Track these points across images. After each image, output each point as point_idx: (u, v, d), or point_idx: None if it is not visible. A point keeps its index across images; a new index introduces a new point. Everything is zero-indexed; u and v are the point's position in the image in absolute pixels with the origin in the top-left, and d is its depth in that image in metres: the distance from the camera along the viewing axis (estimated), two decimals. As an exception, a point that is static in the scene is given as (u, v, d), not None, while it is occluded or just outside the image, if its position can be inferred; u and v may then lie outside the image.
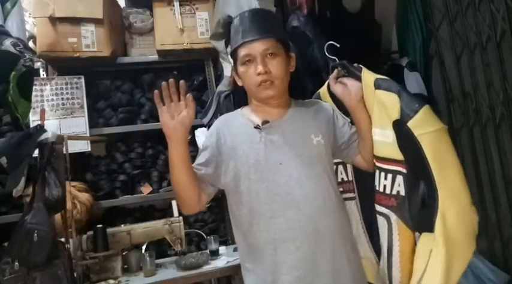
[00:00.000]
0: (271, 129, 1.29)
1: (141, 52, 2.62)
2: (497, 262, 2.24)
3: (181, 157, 1.18)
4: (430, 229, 1.12)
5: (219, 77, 2.49)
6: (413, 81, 2.56)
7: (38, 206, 1.65)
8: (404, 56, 2.68)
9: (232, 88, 2.16)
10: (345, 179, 1.42)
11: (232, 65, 1.38)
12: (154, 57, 2.59)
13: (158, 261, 2.23)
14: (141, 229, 2.18)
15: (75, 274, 1.81)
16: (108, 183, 2.48)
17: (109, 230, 2.13)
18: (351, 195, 1.37)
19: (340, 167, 1.44)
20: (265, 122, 1.30)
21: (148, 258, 2.06)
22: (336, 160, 1.41)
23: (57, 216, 1.84)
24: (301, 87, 2.06)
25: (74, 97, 2.38)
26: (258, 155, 1.26)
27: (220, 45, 2.28)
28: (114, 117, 2.52)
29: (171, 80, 1.13)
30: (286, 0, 2.37)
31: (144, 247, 2.21)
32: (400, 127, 1.15)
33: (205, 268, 2.06)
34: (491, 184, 2.26)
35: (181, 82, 1.12)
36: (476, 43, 2.23)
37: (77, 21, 2.36)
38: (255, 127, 1.30)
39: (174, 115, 1.13)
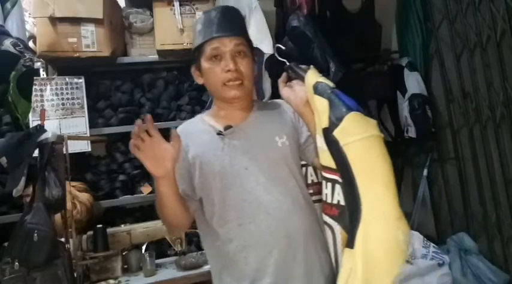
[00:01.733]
0: (234, 134, 1.24)
1: (141, 52, 2.62)
2: (497, 262, 2.24)
3: (174, 190, 1.13)
4: (351, 244, 1.05)
5: (219, 77, 2.49)
6: (414, 81, 2.57)
7: (38, 206, 1.65)
8: (404, 56, 2.69)
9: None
10: (315, 181, 1.37)
11: (193, 61, 1.30)
12: (154, 57, 2.59)
13: (158, 261, 2.23)
14: (141, 229, 2.18)
15: (75, 274, 1.81)
16: (108, 183, 2.48)
17: (109, 230, 2.12)
18: (321, 196, 1.33)
19: (310, 169, 1.39)
20: (227, 127, 1.25)
21: (148, 258, 2.06)
22: (301, 162, 1.37)
23: (57, 216, 1.84)
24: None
25: (74, 97, 2.38)
26: (223, 162, 1.21)
27: (220, 45, 2.27)
28: (114, 117, 2.52)
29: (139, 121, 1.04)
30: (286, 0, 2.36)
31: (144, 247, 2.21)
32: (328, 136, 1.10)
33: (205, 268, 2.06)
34: (491, 184, 2.26)
35: (148, 116, 1.04)
36: (476, 43, 2.23)
37: (77, 21, 2.35)
38: (218, 134, 1.24)
39: (156, 154, 1.04)
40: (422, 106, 2.52)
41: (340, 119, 1.08)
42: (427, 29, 2.61)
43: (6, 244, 1.69)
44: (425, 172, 2.65)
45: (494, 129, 2.18)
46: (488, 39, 2.15)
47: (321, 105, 1.13)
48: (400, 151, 2.77)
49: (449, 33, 2.44)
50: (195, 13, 2.57)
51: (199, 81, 1.30)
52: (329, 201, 1.14)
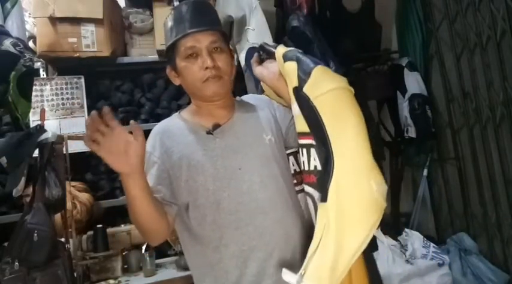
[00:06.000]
0: (224, 132, 1.19)
1: (141, 52, 2.62)
2: (497, 262, 2.25)
3: (146, 190, 1.04)
4: (325, 198, 1.00)
5: (219, 77, 2.49)
6: (414, 81, 2.57)
7: (38, 206, 1.65)
8: (404, 56, 2.69)
9: (233, 88, 2.15)
10: (297, 170, 1.35)
11: (168, 61, 1.24)
12: (154, 57, 2.59)
13: (158, 261, 2.23)
14: (141, 229, 2.18)
15: (75, 274, 1.81)
16: (108, 183, 2.48)
17: (109, 230, 2.13)
18: (303, 187, 1.30)
19: (291, 158, 1.38)
20: (216, 126, 1.19)
21: (148, 258, 2.06)
22: (286, 151, 1.32)
23: (57, 216, 1.84)
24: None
25: (74, 97, 2.38)
26: (216, 163, 1.15)
27: (220, 45, 2.27)
28: (114, 117, 2.52)
29: (93, 113, 0.98)
30: (286, 0, 2.37)
31: (144, 247, 2.21)
32: (299, 94, 1.08)
33: (205, 268, 2.06)
34: (491, 184, 2.26)
35: (105, 108, 1.00)
36: (476, 43, 2.23)
37: (77, 21, 2.35)
38: (208, 133, 1.18)
39: (119, 148, 0.97)
40: (422, 106, 2.52)
41: (308, 74, 1.06)
42: (427, 29, 2.62)
43: (6, 244, 1.69)
44: (425, 172, 2.65)
45: (494, 129, 2.19)
46: (488, 39, 2.15)
47: (290, 68, 1.11)
48: (400, 151, 2.77)
49: (449, 33, 2.44)
50: (195, 13, 2.57)
51: (176, 82, 1.24)
52: (306, 168, 1.11)
